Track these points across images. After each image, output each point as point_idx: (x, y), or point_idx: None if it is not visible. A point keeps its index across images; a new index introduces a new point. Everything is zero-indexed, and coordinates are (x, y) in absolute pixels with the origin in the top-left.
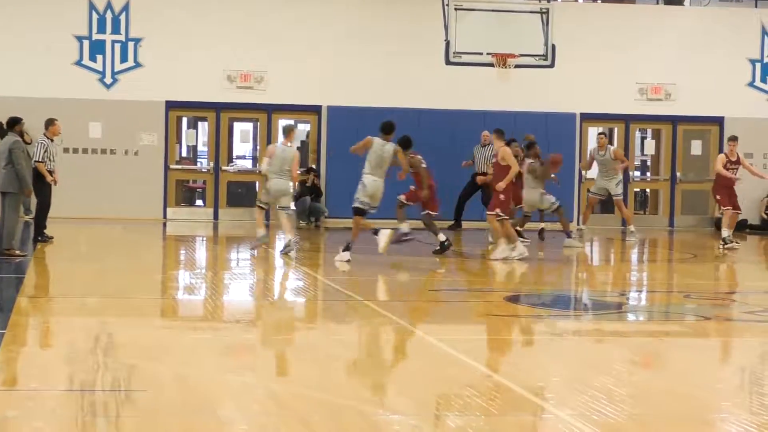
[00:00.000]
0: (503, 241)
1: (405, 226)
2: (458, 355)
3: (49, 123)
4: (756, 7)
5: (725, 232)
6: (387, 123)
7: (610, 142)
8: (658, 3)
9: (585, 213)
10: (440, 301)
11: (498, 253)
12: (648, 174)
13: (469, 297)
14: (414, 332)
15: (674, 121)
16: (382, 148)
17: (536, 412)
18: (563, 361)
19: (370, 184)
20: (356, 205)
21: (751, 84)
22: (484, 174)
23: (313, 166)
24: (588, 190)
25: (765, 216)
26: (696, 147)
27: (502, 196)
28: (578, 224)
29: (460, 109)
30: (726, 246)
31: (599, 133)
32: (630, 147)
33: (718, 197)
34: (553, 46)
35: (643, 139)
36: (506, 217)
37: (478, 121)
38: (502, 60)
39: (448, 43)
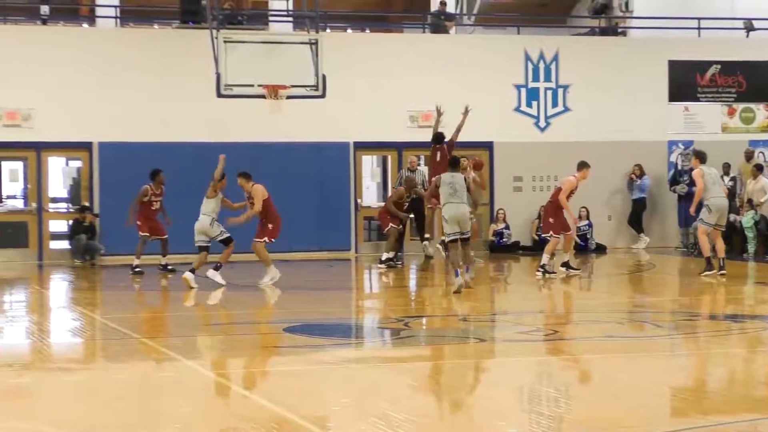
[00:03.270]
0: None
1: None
2: (238, 389)
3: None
4: (518, 33)
5: (546, 258)
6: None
7: (385, 170)
8: (424, 32)
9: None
10: (219, 335)
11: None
12: None
13: (248, 330)
14: (193, 368)
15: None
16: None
17: None
18: (342, 390)
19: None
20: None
21: (518, 109)
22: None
23: (87, 204)
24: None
25: (536, 237)
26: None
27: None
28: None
29: (232, 142)
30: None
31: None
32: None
33: (550, 220)
34: (324, 77)
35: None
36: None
37: (251, 153)
38: (273, 91)
39: (218, 76)
